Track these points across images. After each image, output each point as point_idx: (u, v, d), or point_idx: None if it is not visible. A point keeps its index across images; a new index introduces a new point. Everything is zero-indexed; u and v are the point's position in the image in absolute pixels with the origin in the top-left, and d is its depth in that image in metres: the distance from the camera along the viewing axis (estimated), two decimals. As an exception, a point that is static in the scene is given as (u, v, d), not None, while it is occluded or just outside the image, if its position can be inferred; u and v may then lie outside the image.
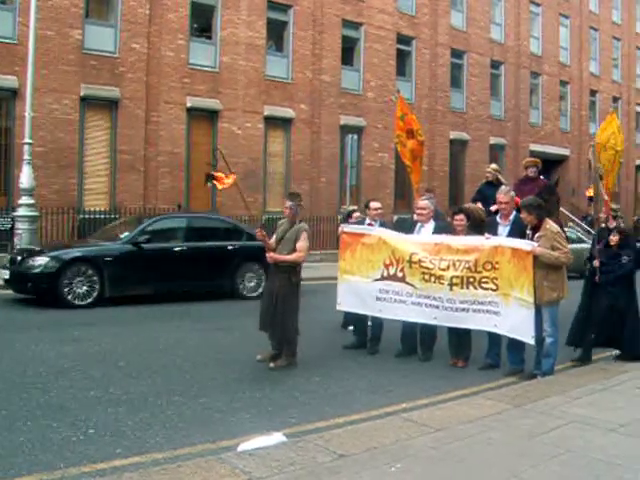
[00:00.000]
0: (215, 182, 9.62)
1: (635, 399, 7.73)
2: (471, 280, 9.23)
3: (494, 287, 9.05)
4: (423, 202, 10.39)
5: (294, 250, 9.17)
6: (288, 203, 9.41)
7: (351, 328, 11.28)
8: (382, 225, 10.83)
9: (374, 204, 11.15)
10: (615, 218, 12.60)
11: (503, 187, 10.29)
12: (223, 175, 9.60)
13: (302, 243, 9.20)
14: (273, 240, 9.43)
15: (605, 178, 12.38)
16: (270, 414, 7.28)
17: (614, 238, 9.97)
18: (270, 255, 9.19)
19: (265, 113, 26.96)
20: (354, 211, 13.09)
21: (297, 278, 9.38)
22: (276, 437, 6.11)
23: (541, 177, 12.41)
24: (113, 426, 6.66)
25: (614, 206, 13.04)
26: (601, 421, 6.74)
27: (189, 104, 24.76)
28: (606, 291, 9.73)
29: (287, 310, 9.16)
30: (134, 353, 9.90)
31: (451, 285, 9.34)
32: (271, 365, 9.16)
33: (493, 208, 11.16)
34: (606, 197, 12.93)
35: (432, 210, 10.38)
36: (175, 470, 5.21)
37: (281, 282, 9.20)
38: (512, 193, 9.89)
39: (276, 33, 28.20)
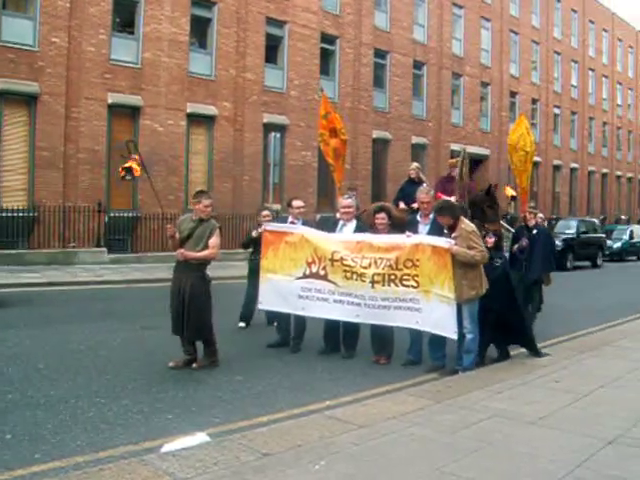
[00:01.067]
0: (131, 172, 9.47)
1: (553, 392, 7.87)
2: (392, 277, 9.28)
3: (415, 284, 9.11)
4: (347, 201, 10.40)
5: (205, 248, 8.99)
6: (207, 201, 9.21)
7: (276, 324, 11.25)
8: (305, 224, 10.81)
9: (296, 202, 11.12)
10: (535, 216, 12.89)
11: (424, 186, 10.38)
12: (133, 164, 9.46)
13: (215, 239, 9.04)
14: (178, 237, 9.14)
15: (518, 178, 12.63)
16: (193, 414, 7.19)
17: (490, 240, 9.68)
18: (181, 252, 8.93)
19: (188, 110, 26.70)
20: (266, 208, 12.90)
21: (208, 276, 9.19)
22: (200, 437, 6.04)
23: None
24: (32, 430, 6.47)
25: (531, 204, 13.30)
26: (521, 414, 6.86)
27: (110, 100, 24.34)
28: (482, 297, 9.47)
29: (201, 310, 8.96)
30: (54, 355, 9.68)
31: (373, 283, 9.37)
32: (194, 366, 9.00)
33: (415, 206, 11.27)
34: (511, 193, 13.22)
35: (355, 209, 10.43)
36: (97, 473, 5.09)
37: (192, 281, 8.94)
38: (431, 192, 9.97)
39: (200, 30, 27.95)
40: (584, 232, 33.66)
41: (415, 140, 37.45)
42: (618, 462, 5.56)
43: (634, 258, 40.94)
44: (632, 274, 30.33)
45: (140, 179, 21.42)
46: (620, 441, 6.09)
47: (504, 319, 9.61)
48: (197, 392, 8.06)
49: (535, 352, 10.03)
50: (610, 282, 25.69)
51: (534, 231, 12.52)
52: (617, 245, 39.94)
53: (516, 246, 12.28)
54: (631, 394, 7.93)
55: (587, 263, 32.96)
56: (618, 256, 39.19)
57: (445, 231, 9.15)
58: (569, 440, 6.08)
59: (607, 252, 37.58)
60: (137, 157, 9.51)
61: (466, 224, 9.09)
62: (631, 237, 41.70)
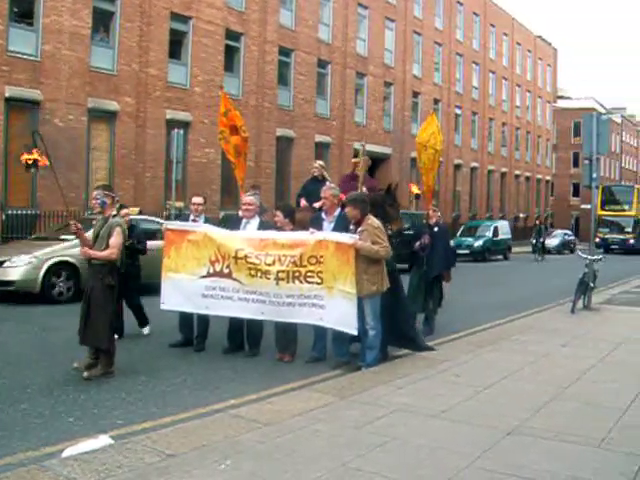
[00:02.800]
0: (35, 165, 9.18)
1: (454, 386, 8.02)
2: (297, 274, 9.29)
3: (319, 281, 9.14)
4: (249, 198, 10.37)
5: (107, 248, 8.61)
6: (94, 193, 8.90)
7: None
8: (207, 221, 10.72)
9: (195, 199, 10.97)
10: (436, 213, 13.11)
11: (329, 184, 10.42)
12: (38, 155, 9.19)
13: (114, 239, 8.62)
14: (90, 236, 8.89)
15: (425, 176, 12.81)
16: (96, 416, 7.04)
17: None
18: (83, 250, 8.69)
19: (89, 105, 26.10)
20: (122, 207, 12.32)
21: (111, 280, 8.72)
22: (102, 440, 5.90)
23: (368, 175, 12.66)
24: None
25: (433, 202, 13.52)
26: (423, 408, 6.96)
27: (8, 94, 23.58)
28: None
29: (99, 316, 8.53)
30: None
31: (277, 280, 9.36)
32: (85, 374, 8.52)
33: (317, 205, 11.33)
34: (416, 191, 13.44)
35: (258, 206, 10.40)
36: (-7, 482, 4.93)
37: (94, 283, 8.63)
38: (336, 190, 10.02)
39: (102, 23, 27.31)
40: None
41: (319, 138, 37.62)
42: (517, 451, 5.71)
43: (500, 257, 39.85)
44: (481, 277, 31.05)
45: (38, 176, 20.96)
46: (518, 431, 6.26)
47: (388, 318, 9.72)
48: (99, 394, 7.89)
49: (419, 349, 10.15)
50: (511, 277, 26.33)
51: (435, 228, 12.71)
52: (478, 244, 38.36)
53: (418, 243, 12.46)
54: (528, 386, 8.15)
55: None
56: (480, 255, 37.66)
57: (351, 227, 9.22)
58: (470, 432, 6.21)
59: (467, 251, 36.69)
60: (42, 149, 9.19)
61: (372, 220, 9.18)
62: (495, 234, 40.25)
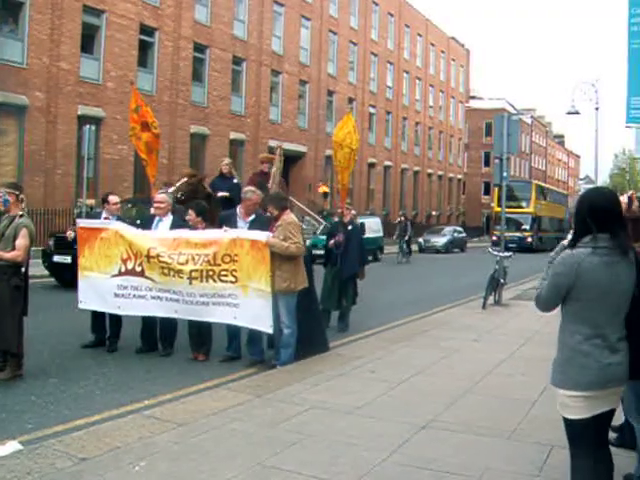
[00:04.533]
0: None
1: (369, 382, 8.10)
2: (210, 273, 9.22)
3: (233, 279, 9.10)
4: (160, 196, 10.24)
5: (14, 249, 8.27)
6: None
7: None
8: (119, 219, 10.53)
9: (113, 198, 10.73)
10: (350, 212, 13.22)
11: (251, 188, 10.25)
12: None
13: (20, 241, 8.29)
14: None
15: (340, 175, 12.90)
16: (3, 421, 6.81)
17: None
18: None
19: (-3, 99, 25.47)
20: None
21: (19, 281, 8.38)
22: (11, 446, 5.74)
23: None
24: None
25: (347, 200, 13.62)
26: (339, 405, 7.01)
27: None
28: None
29: (6, 318, 8.20)
30: None
31: (190, 279, 9.27)
32: None
33: (220, 194, 11.36)
34: (324, 190, 13.56)
35: (170, 204, 10.28)
36: None
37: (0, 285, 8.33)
38: (258, 194, 9.97)
39: (11, 14, 26.63)
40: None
41: (233, 136, 37.52)
42: (430, 445, 5.82)
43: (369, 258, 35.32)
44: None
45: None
46: (432, 425, 6.37)
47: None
48: (7, 397, 7.65)
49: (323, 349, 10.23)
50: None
51: (349, 227, 12.79)
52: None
53: (332, 241, 12.53)
54: (441, 381, 8.31)
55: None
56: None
57: (272, 225, 9.24)
58: (385, 427, 6.28)
59: (321, 252, 30.08)
60: None
61: (288, 215, 9.20)
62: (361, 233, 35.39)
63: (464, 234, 51.96)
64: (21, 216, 8.48)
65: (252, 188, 10.12)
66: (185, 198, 11.00)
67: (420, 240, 45.90)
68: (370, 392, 7.58)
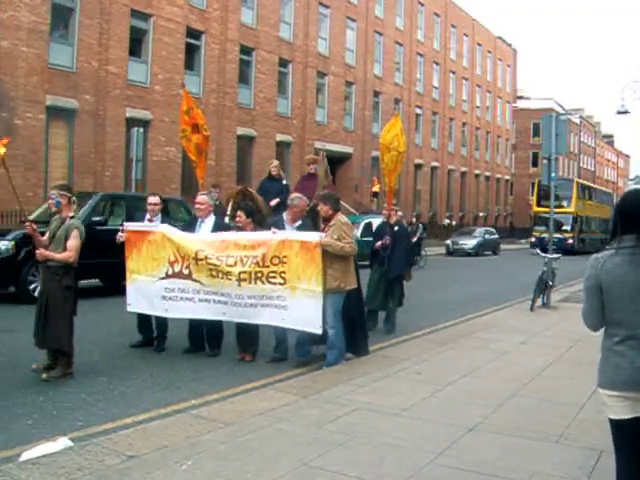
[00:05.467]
0: None
1: (415, 384, 8.06)
2: (259, 275, 9.23)
3: (282, 281, 9.10)
4: (201, 197, 10.27)
5: (65, 250, 8.42)
6: (50, 192, 8.76)
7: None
8: (163, 220, 10.57)
9: (151, 199, 10.75)
10: (396, 213, 13.14)
11: (300, 195, 10.25)
12: None
13: (72, 242, 8.42)
14: (46, 237, 8.68)
15: (387, 177, 12.83)
16: (55, 418, 6.92)
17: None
18: (40, 251, 8.45)
19: (47, 103, 25.81)
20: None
21: (69, 281, 8.53)
22: (62, 442, 5.81)
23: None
24: None
25: (394, 202, 13.55)
26: (385, 406, 6.98)
27: (-37, 90, 23.30)
28: None
29: (57, 317, 8.35)
30: None
31: (239, 281, 9.28)
32: (43, 376, 8.35)
33: (273, 203, 11.31)
34: (376, 189, 13.45)
35: (211, 205, 10.32)
36: (-54, 491, 4.84)
37: (51, 285, 8.45)
38: (305, 201, 10.00)
39: (61, 19, 27.04)
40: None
41: (280, 137, 37.61)
42: (478, 448, 5.76)
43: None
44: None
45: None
46: (479, 428, 6.31)
47: (348, 316, 9.72)
48: (58, 395, 7.78)
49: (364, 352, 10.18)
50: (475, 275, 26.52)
51: (396, 228, 12.74)
52: None
53: (379, 243, 12.49)
54: (489, 383, 8.23)
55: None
56: None
57: (322, 225, 9.25)
58: (432, 429, 6.24)
59: None
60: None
61: (342, 216, 9.21)
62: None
63: (496, 235, 48.69)
64: (72, 217, 8.60)
65: (299, 195, 10.14)
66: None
67: (448, 242, 43.72)
68: (417, 394, 7.54)
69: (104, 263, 14.00)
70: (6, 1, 24.47)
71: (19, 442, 6.08)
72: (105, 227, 15.13)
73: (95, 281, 16.59)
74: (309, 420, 6.47)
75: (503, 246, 49.47)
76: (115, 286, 15.12)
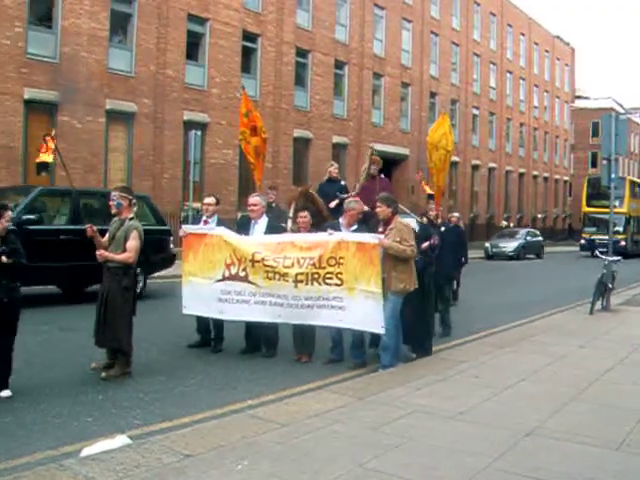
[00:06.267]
0: (46, 168, 9.13)
1: (472, 387, 7.99)
2: (316, 276, 9.24)
3: (339, 282, 9.10)
4: (254, 199, 10.31)
5: (125, 251, 8.56)
6: (111, 194, 8.88)
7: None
8: (220, 222, 10.62)
9: (206, 199, 10.80)
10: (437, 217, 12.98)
11: (357, 200, 10.25)
12: (45, 156, 9.17)
13: (131, 243, 8.56)
14: (106, 238, 8.80)
15: (436, 177, 12.71)
16: (114, 416, 7.04)
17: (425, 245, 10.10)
18: (100, 252, 8.58)
19: (107, 107, 26.27)
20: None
21: (129, 282, 8.68)
22: (120, 440, 5.91)
23: (381, 175, 12.64)
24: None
25: (450, 203, 13.45)
26: (441, 409, 6.93)
27: (27, 96, 23.77)
28: None
29: (117, 317, 8.49)
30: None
31: (296, 282, 9.30)
32: (103, 375, 8.50)
33: (332, 204, 11.31)
34: (428, 191, 13.31)
35: (264, 206, 10.37)
36: (12, 482, 4.94)
37: (111, 285, 8.56)
38: (362, 206, 10.00)
39: (120, 25, 27.52)
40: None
41: (336, 139, 37.63)
42: (535, 453, 5.67)
43: None
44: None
45: (56, 176, 21.07)
46: (537, 433, 6.22)
47: (412, 317, 9.69)
48: (117, 394, 7.90)
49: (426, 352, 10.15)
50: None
51: (442, 228, 12.61)
52: None
53: (427, 243, 12.39)
54: (547, 387, 8.11)
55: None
56: None
57: (380, 229, 9.23)
58: (488, 433, 6.18)
59: None
60: (46, 145, 9.12)
61: (401, 219, 9.19)
62: None
63: (540, 237, 45.70)
64: (131, 219, 8.73)
65: (355, 199, 10.14)
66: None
67: (487, 245, 40.55)
68: (473, 397, 7.47)
69: (49, 268, 13.33)
70: (67, 9, 25.01)
71: (79, 438, 6.21)
72: (42, 227, 13.84)
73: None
74: (365, 422, 6.45)
75: (558, 248, 48.24)
76: (76, 293, 15.01)
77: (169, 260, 16.98)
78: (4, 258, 7.19)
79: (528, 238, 42.82)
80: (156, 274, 16.89)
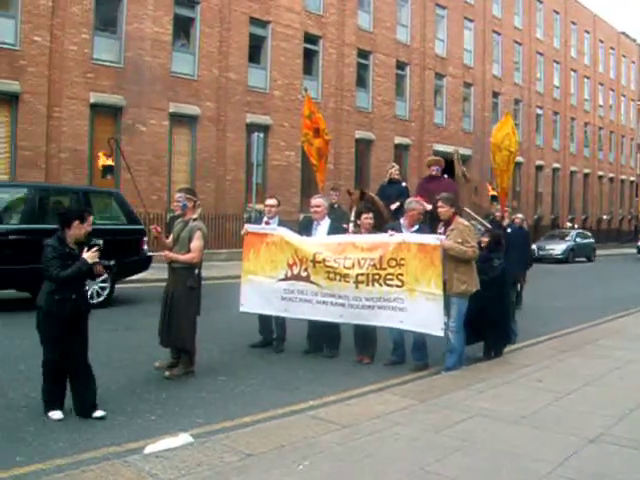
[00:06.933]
0: (111, 171, 9.31)
1: (535, 391, 7.91)
2: (376, 277, 9.25)
3: (399, 283, 9.09)
4: (317, 200, 10.37)
5: (189, 251, 8.71)
6: (176, 195, 9.08)
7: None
8: (281, 223, 10.69)
9: (268, 201, 10.90)
10: (509, 215, 12.83)
11: (417, 199, 10.24)
12: (105, 160, 9.37)
13: (195, 243, 8.70)
14: (170, 239, 9.01)
15: (499, 177, 12.59)
16: (177, 415, 7.16)
17: (484, 240, 10.02)
18: (165, 253, 8.78)
19: (170, 110, 26.61)
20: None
21: (193, 282, 8.81)
22: (183, 438, 6.01)
23: (444, 176, 12.59)
24: (13, 432, 6.43)
25: (514, 204, 13.30)
26: (504, 413, 6.89)
27: (92, 100, 24.23)
28: (477, 294, 9.32)
29: (181, 317, 8.64)
30: (36, 356, 9.53)
31: (356, 283, 9.33)
32: (166, 374, 8.68)
33: (393, 207, 11.28)
34: (492, 192, 13.14)
35: (326, 207, 10.42)
36: (79, 475, 5.06)
37: (175, 285, 8.74)
38: (425, 206, 9.99)
39: (183, 29, 27.88)
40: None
41: (398, 140, 37.50)
42: (599, 460, 5.59)
43: None
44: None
45: (122, 179, 21.42)
46: (602, 439, 6.12)
47: (490, 319, 9.64)
48: (180, 392, 8.02)
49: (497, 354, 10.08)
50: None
51: (508, 230, 12.47)
52: None
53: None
54: (613, 392, 7.99)
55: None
56: None
57: (439, 228, 9.20)
58: (551, 439, 6.11)
59: None
60: (117, 154, 9.35)
61: (462, 220, 9.15)
62: None
63: (591, 239, 42.67)
64: (195, 220, 8.85)
65: (416, 199, 10.12)
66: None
67: (533, 247, 34.05)
68: (536, 402, 7.39)
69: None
70: (131, 14, 25.42)
71: (143, 436, 6.35)
72: None
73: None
74: (426, 425, 6.44)
75: (614, 251, 46.63)
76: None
77: (143, 263, 15.54)
78: (100, 267, 7.30)
79: (578, 240, 40.34)
80: (216, 274, 16.99)
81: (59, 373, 6.94)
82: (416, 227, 9.59)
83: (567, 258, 37.45)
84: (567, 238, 39.61)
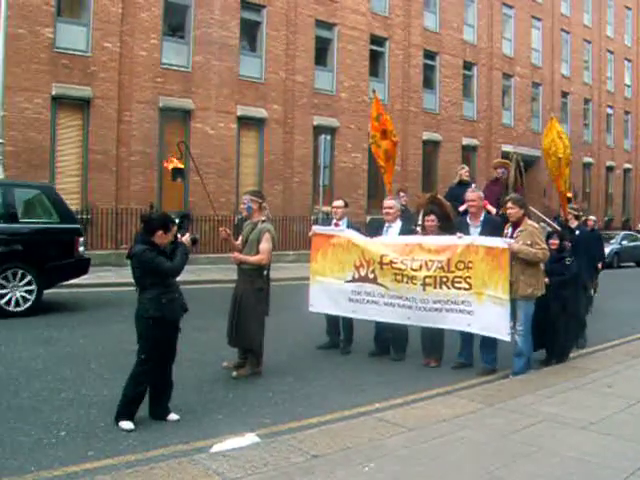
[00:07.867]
0: (181, 174, 9.45)
1: (605, 397, 7.79)
2: (444, 280, 9.22)
3: (467, 286, 9.05)
4: (389, 202, 10.37)
5: (257, 253, 8.82)
6: (244, 198, 9.21)
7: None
8: (349, 225, 10.75)
9: (335, 202, 10.99)
10: (577, 218, 12.62)
11: (472, 187, 10.34)
12: (174, 163, 9.53)
13: (264, 245, 8.80)
14: (239, 241, 9.15)
15: (555, 183, 12.33)
16: (243, 415, 7.26)
17: (554, 242, 10.03)
18: (234, 255, 8.91)
19: (238, 113, 26.88)
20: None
21: (262, 283, 8.94)
22: (249, 438, 6.10)
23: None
24: (85, 428, 6.61)
25: (573, 206, 13.06)
26: (572, 419, 6.80)
27: (161, 104, 24.63)
28: (555, 294, 9.51)
29: (250, 318, 8.75)
30: (106, 354, 9.81)
31: (424, 285, 9.31)
32: (234, 374, 8.81)
33: (462, 208, 11.23)
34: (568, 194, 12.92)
35: (398, 209, 10.40)
36: (148, 472, 5.18)
37: (244, 286, 8.86)
38: (480, 193, 9.93)
39: (249, 33, 28.16)
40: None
41: (466, 141, 37.21)
42: (672, 469, 5.48)
43: None
44: None
45: (191, 182, 21.74)
46: (675, 448, 6.00)
47: (563, 320, 9.58)
48: (247, 393, 8.12)
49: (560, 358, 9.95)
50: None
51: (576, 232, 12.26)
52: None
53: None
54: (686, 399, 7.82)
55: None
56: None
57: (506, 230, 9.14)
58: (621, 447, 6.01)
59: None
60: (186, 158, 9.50)
61: (531, 222, 9.08)
62: None
63: None
64: (263, 221, 8.96)
65: (475, 188, 10.09)
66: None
67: None
68: (606, 408, 7.28)
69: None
70: (199, 19, 25.79)
71: (210, 435, 6.46)
72: None
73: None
74: (493, 429, 6.41)
75: None
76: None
77: (79, 266, 13.92)
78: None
79: (624, 243, 35.81)
80: (284, 275, 17.04)
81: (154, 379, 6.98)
82: (482, 217, 9.55)
83: (611, 263, 32.27)
84: (612, 241, 35.09)
